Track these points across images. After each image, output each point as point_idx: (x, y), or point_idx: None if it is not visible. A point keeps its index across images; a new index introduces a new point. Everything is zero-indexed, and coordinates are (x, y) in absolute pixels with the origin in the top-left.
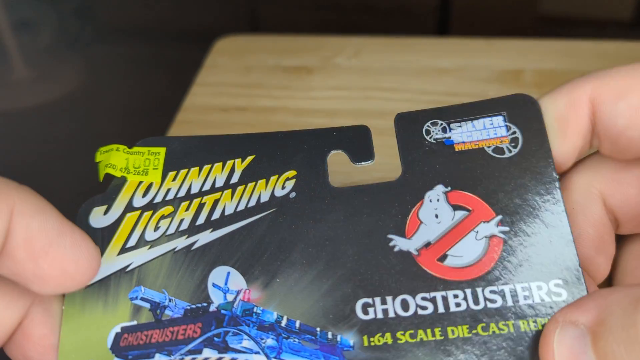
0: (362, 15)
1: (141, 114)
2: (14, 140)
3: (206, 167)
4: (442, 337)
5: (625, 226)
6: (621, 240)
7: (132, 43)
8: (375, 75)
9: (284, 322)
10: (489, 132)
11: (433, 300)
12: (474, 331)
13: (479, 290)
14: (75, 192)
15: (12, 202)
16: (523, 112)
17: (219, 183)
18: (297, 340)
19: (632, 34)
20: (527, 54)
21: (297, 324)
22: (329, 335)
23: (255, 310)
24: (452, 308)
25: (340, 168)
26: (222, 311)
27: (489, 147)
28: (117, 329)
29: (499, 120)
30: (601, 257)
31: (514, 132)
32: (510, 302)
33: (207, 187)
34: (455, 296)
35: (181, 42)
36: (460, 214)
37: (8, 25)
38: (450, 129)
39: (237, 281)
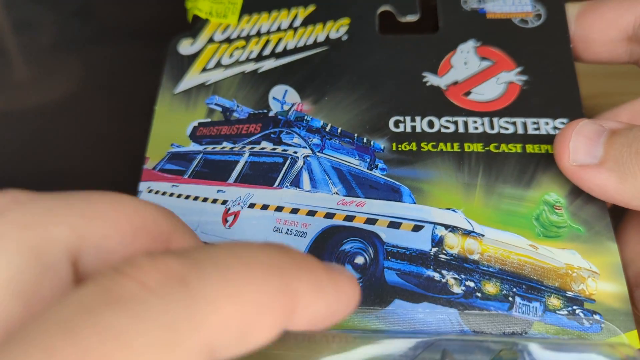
0: None
1: (142, 114)
2: (13, 140)
3: (275, 13)
4: (459, 150)
5: None
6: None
7: (133, 43)
8: None
9: (328, 128)
10: (516, 7)
11: (455, 123)
12: (487, 148)
13: (495, 119)
14: None
15: (296, 294)
16: None
17: (284, 25)
18: (337, 141)
19: None
20: None
21: (339, 130)
22: (364, 140)
23: (305, 117)
24: (471, 130)
25: (388, 24)
26: (279, 116)
27: (515, 18)
28: (195, 123)
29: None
30: None
31: (538, 10)
32: (520, 131)
33: (274, 28)
34: (475, 122)
35: None
36: (486, 63)
37: (8, 25)
38: (484, 1)
39: (293, 96)
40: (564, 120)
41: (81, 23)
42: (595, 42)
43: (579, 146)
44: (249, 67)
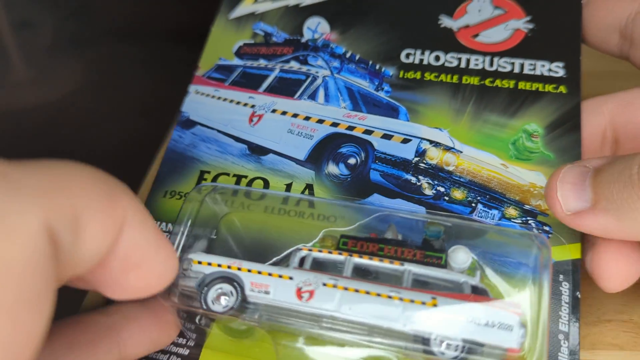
0: None
1: (141, 114)
2: (13, 140)
3: None
4: (457, 82)
5: (623, 146)
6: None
7: (133, 43)
8: None
9: (348, 55)
10: None
11: (459, 59)
12: (482, 82)
13: (495, 59)
14: None
15: (124, 213)
16: None
17: None
18: (353, 66)
19: None
20: None
21: (357, 57)
22: (377, 67)
23: (331, 45)
24: (471, 66)
25: None
26: (309, 42)
27: None
28: (240, 43)
29: None
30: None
31: None
32: (517, 70)
33: None
34: (477, 59)
35: (182, 42)
36: (498, 11)
37: (8, 25)
38: None
39: (324, 27)
40: (560, 64)
41: (80, 23)
42: (593, 25)
43: (567, 194)
44: (293, 1)
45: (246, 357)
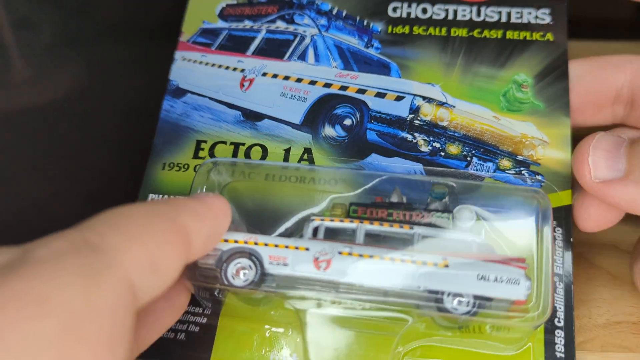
0: None
1: (141, 114)
2: (13, 140)
3: None
4: (445, 34)
5: (637, 110)
6: None
7: (134, 41)
8: None
9: (334, 11)
10: None
11: (446, 11)
12: (471, 33)
13: (482, 8)
14: (75, 192)
15: (185, 226)
16: None
17: None
18: (341, 23)
19: (632, 34)
20: None
21: (344, 13)
22: (365, 23)
23: (316, 2)
24: (459, 17)
25: None
26: (294, 0)
27: None
28: (223, 4)
29: None
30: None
31: None
32: (504, 19)
33: None
34: (464, 10)
35: None
36: None
37: (7, 23)
38: None
39: None
40: (546, 11)
41: (81, 21)
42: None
43: (599, 161)
44: None
45: (263, 321)
